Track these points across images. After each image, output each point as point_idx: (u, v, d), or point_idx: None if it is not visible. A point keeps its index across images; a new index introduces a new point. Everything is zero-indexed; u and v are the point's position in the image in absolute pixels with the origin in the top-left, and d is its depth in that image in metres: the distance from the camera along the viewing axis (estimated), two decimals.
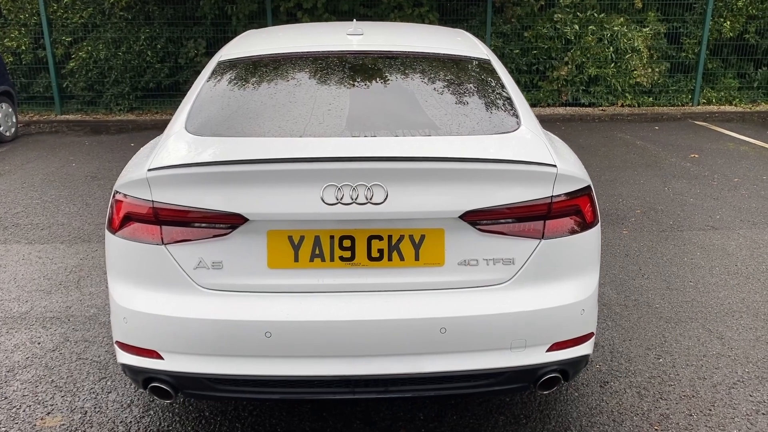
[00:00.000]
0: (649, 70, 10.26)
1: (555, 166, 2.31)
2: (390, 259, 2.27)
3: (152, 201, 2.28)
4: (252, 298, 2.27)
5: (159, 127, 9.38)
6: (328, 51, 3.11)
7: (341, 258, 2.27)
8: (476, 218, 2.26)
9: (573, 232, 2.36)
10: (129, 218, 2.33)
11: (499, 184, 2.27)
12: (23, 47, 10.15)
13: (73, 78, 10.19)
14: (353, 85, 2.89)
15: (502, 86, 2.92)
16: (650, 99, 10.42)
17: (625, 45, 10.06)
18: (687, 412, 2.87)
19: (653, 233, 5.07)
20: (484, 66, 3.11)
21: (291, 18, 10.09)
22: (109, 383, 3.11)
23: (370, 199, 2.19)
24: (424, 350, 2.26)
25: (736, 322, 3.67)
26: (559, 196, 2.32)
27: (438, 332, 2.23)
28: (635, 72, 10.18)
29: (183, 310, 2.28)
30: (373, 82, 2.94)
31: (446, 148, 2.37)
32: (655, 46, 10.32)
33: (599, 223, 2.48)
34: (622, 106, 10.36)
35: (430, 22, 10.14)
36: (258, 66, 3.05)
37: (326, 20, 10.01)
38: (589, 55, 10.13)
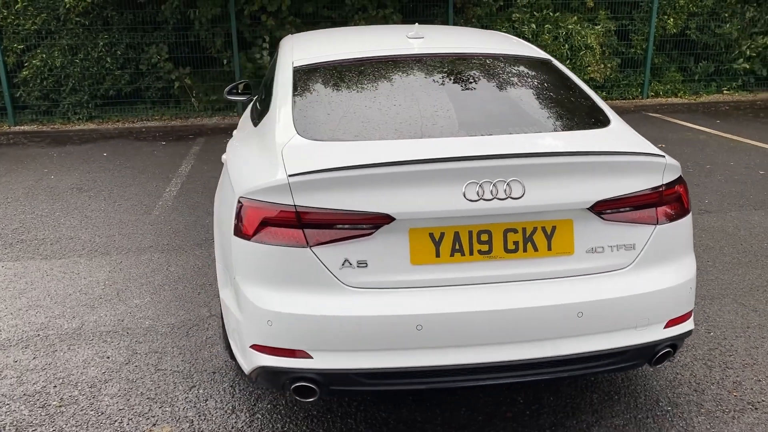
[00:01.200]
0: (602, 65, 10.77)
1: (664, 156, 2.52)
2: (525, 250, 2.41)
3: (294, 205, 2.33)
4: (400, 293, 2.36)
5: (124, 136, 9.15)
6: (404, 54, 3.21)
7: (479, 252, 2.39)
8: (602, 208, 2.42)
9: (678, 217, 2.56)
10: (266, 223, 2.37)
11: (621, 174, 2.44)
12: None
13: (26, 87, 9.76)
14: (445, 86, 3.01)
15: (575, 83, 3.11)
16: (603, 93, 10.95)
17: (579, 42, 10.52)
18: (755, 378, 3.14)
19: None
20: (550, 65, 3.30)
21: (255, 22, 10.03)
22: (202, 391, 3.10)
23: (509, 194, 2.33)
24: (563, 334, 2.41)
25: (762, 295, 4.01)
26: (667, 184, 2.52)
27: (575, 316, 2.39)
28: (589, 68, 10.66)
29: (332, 308, 2.34)
30: (462, 82, 3.06)
31: (567, 144, 2.53)
32: (606, 43, 10.84)
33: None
34: None
35: (394, 23, 10.30)
36: (339, 70, 3.12)
37: (291, 23, 10.01)
38: (546, 53, 10.52)
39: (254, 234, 2.40)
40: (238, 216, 2.47)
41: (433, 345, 2.35)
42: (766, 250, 4.69)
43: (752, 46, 11.06)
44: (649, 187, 2.48)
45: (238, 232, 2.46)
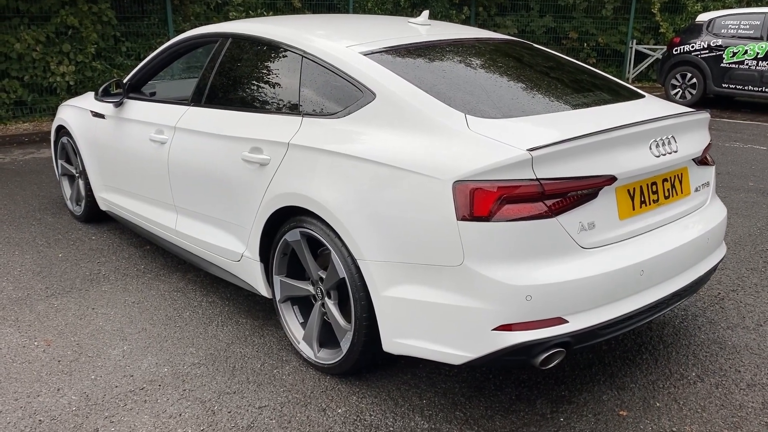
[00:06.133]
0: None
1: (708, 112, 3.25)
2: (672, 195, 2.89)
3: (537, 179, 2.39)
4: (619, 247, 2.59)
5: None
6: (446, 39, 3.34)
7: (653, 200, 2.78)
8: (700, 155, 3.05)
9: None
10: (505, 201, 2.38)
11: (701, 128, 3.09)
12: None
13: None
14: (517, 65, 3.27)
15: (572, 62, 3.65)
16: None
17: None
18: None
19: None
20: (535, 47, 3.77)
21: None
22: (364, 404, 2.78)
23: (672, 149, 2.78)
24: (701, 257, 2.96)
25: None
26: None
27: (706, 242, 2.97)
28: None
29: (579, 271, 2.45)
30: (519, 62, 3.34)
31: (669, 109, 3.05)
32: None
33: None
34: None
35: (108, 20, 9.27)
36: (405, 56, 3.08)
37: None
38: None
39: (491, 214, 2.38)
40: (462, 200, 2.40)
41: (648, 285, 2.66)
42: None
43: None
44: (709, 137, 3.19)
45: (467, 215, 2.39)
